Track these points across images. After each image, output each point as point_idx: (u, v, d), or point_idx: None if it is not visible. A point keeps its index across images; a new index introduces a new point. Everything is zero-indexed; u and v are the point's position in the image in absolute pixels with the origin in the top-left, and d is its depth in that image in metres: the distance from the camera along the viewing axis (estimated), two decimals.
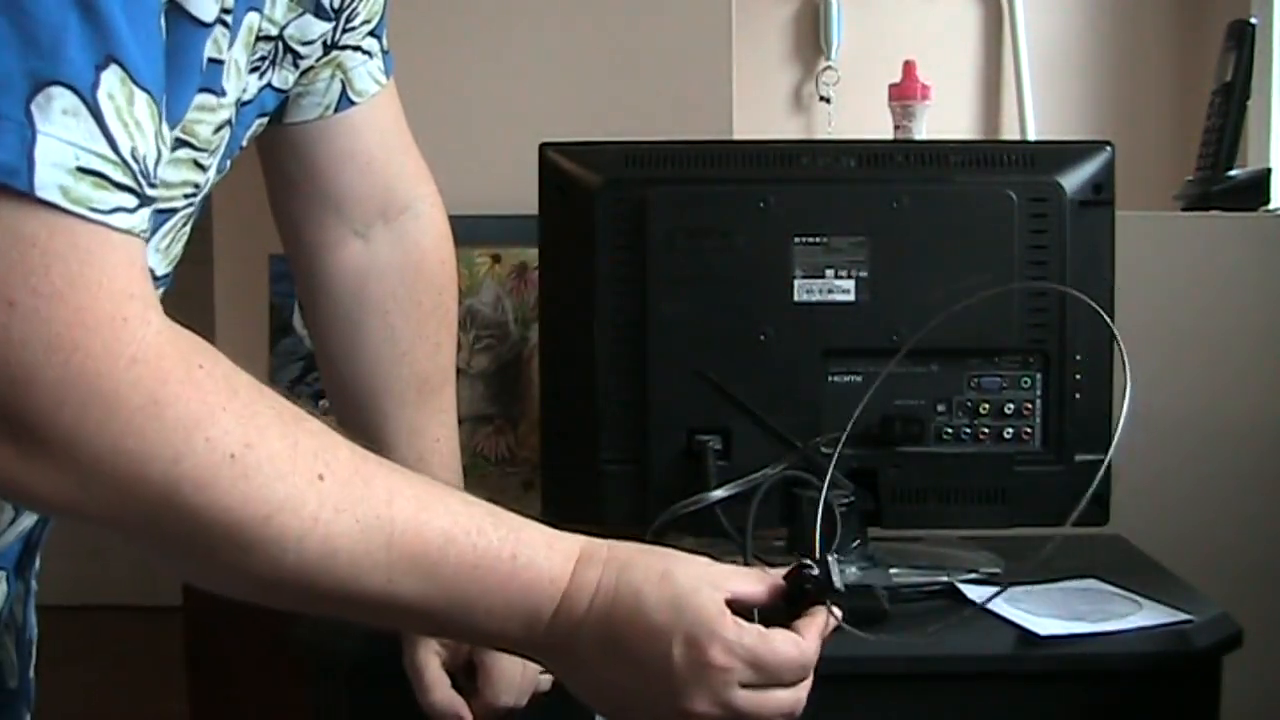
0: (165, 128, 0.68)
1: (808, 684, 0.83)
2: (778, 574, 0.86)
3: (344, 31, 1.01)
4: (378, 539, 0.72)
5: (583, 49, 2.12)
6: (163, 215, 0.80)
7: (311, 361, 1.97)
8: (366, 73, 1.05)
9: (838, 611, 0.86)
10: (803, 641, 0.82)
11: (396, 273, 1.11)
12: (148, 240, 0.67)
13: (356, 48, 1.03)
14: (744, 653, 0.80)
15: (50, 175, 0.61)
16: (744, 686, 0.80)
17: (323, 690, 1.26)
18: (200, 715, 2.02)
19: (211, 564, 0.70)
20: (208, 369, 0.66)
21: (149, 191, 0.66)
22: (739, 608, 0.82)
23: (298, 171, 1.07)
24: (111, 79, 0.63)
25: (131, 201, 0.64)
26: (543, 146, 1.37)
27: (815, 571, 0.86)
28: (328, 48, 1.00)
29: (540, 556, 0.78)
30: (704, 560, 0.83)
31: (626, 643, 0.79)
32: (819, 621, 0.85)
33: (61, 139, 0.61)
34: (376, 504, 0.72)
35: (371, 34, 1.04)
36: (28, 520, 0.87)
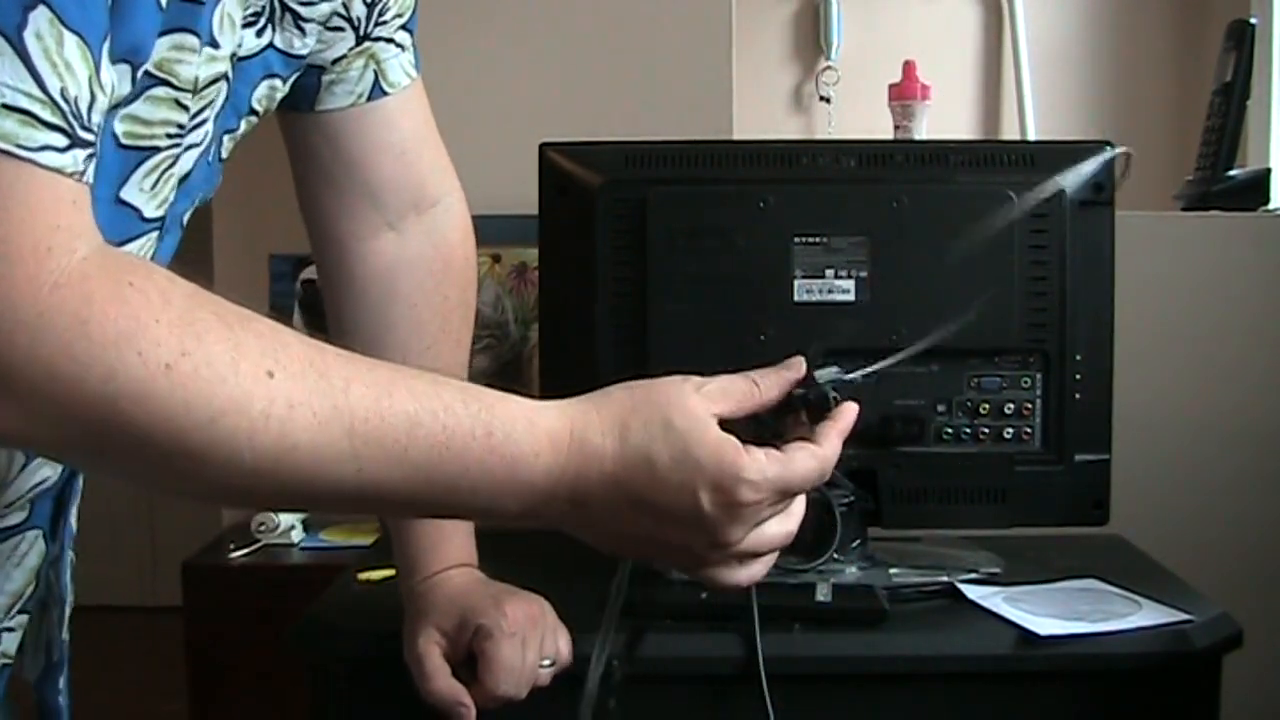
0: (106, 71, 0.68)
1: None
2: (766, 383, 0.85)
3: (377, 23, 1.03)
4: (337, 429, 0.71)
5: (583, 49, 2.13)
6: (144, 153, 0.81)
7: None
8: (399, 65, 1.07)
9: (852, 409, 0.86)
10: (819, 450, 0.83)
11: (425, 266, 1.13)
12: (90, 181, 0.67)
13: (390, 40, 1.05)
14: (769, 485, 0.79)
15: None
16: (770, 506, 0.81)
17: (323, 690, 1.26)
18: (200, 715, 2.02)
19: (171, 474, 0.70)
20: (138, 285, 0.66)
21: (82, 134, 0.66)
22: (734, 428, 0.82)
23: (334, 162, 1.08)
24: (39, 19, 0.63)
25: (61, 140, 0.65)
26: (543, 146, 1.37)
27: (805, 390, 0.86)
28: (360, 38, 1.02)
29: (519, 431, 0.76)
30: (690, 389, 0.81)
31: (648, 502, 0.78)
32: (839, 426, 0.85)
33: None
34: (333, 394, 0.71)
35: (404, 27, 1.07)
36: (46, 470, 0.88)
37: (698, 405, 0.80)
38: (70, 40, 0.65)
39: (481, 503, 0.77)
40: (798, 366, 0.87)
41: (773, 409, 0.85)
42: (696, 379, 0.83)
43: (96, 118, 0.67)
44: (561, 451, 0.78)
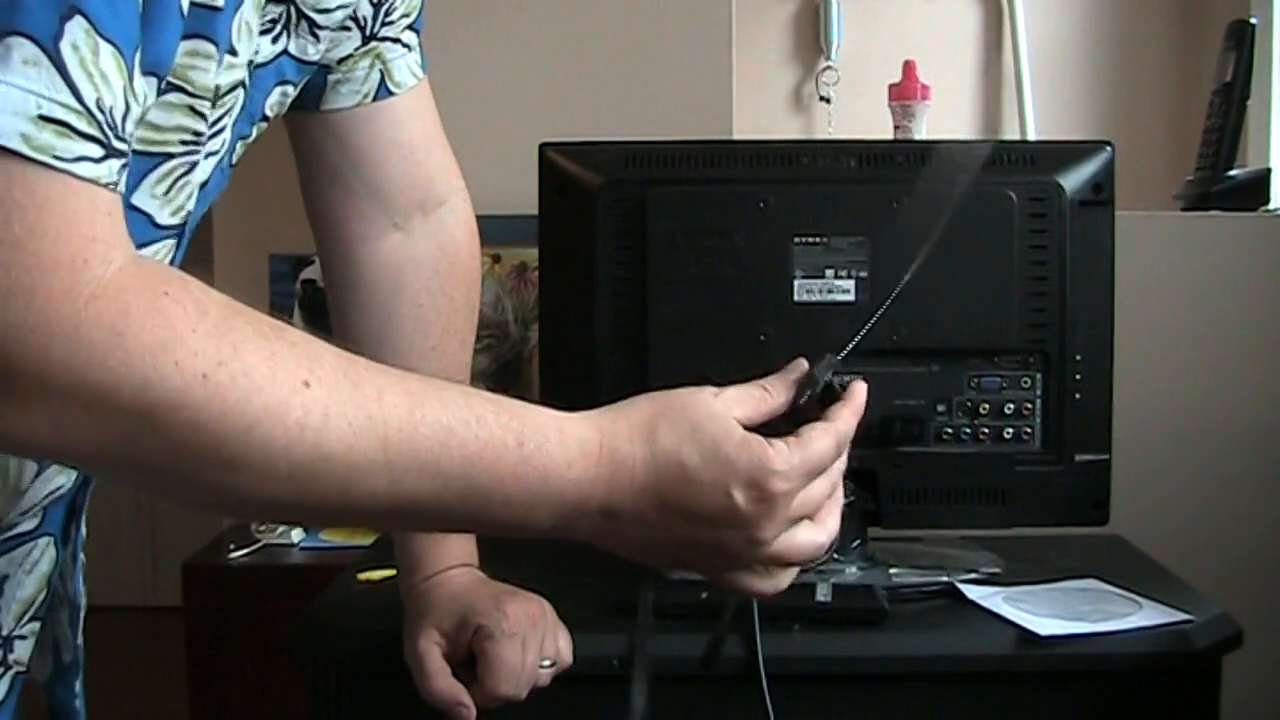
0: (138, 82, 0.68)
1: (842, 462, 0.85)
2: (775, 388, 0.86)
3: (383, 24, 1.03)
4: (371, 439, 0.70)
5: (583, 49, 2.13)
6: (155, 159, 0.80)
7: None
8: (405, 65, 1.07)
9: (862, 387, 0.87)
10: (831, 425, 0.84)
11: (431, 265, 1.13)
12: (122, 192, 0.67)
13: (396, 40, 1.06)
14: (796, 471, 0.80)
15: (11, 123, 0.61)
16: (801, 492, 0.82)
17: (323, 690, 1.26)
18: (200, 715, 2.02)
19: (204, 486, 0.69)
20: (174, 295, 0.66)
21: (117, 144, 0.66)
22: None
23: (342, 161, 1.08)
24: (76, 29, 0.63)
25: (96, 151, 0.64)
26: (543, 146, 1.37)
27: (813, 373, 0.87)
28: (366, 37, 1.02)
29: (551, 442, 0.76)
30: (710, 395, 0.82)
31: (682, 505, 0.79)
32: (851, 404, 0.86)
33: (22, 87, 0.61)
34: (367, 404, 0.71)
35: (410, 27, 1.07)
36: (60, 478, 0.88)
37: (720, 407, 0.81)
38: (105, 50, 0.64)
39: (515, 516, 0.77)
40: (799, 367, 0.87)
41: (785, 414, 0.85)
42: (711, 388, 0.83)
43: (130, 127, 0.67)
44: (592, 461, 0.77)
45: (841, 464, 0.85)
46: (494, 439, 0.74)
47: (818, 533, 0.84)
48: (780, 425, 0.84)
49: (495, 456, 0.74)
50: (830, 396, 0.87)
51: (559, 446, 0.77)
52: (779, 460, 0.79)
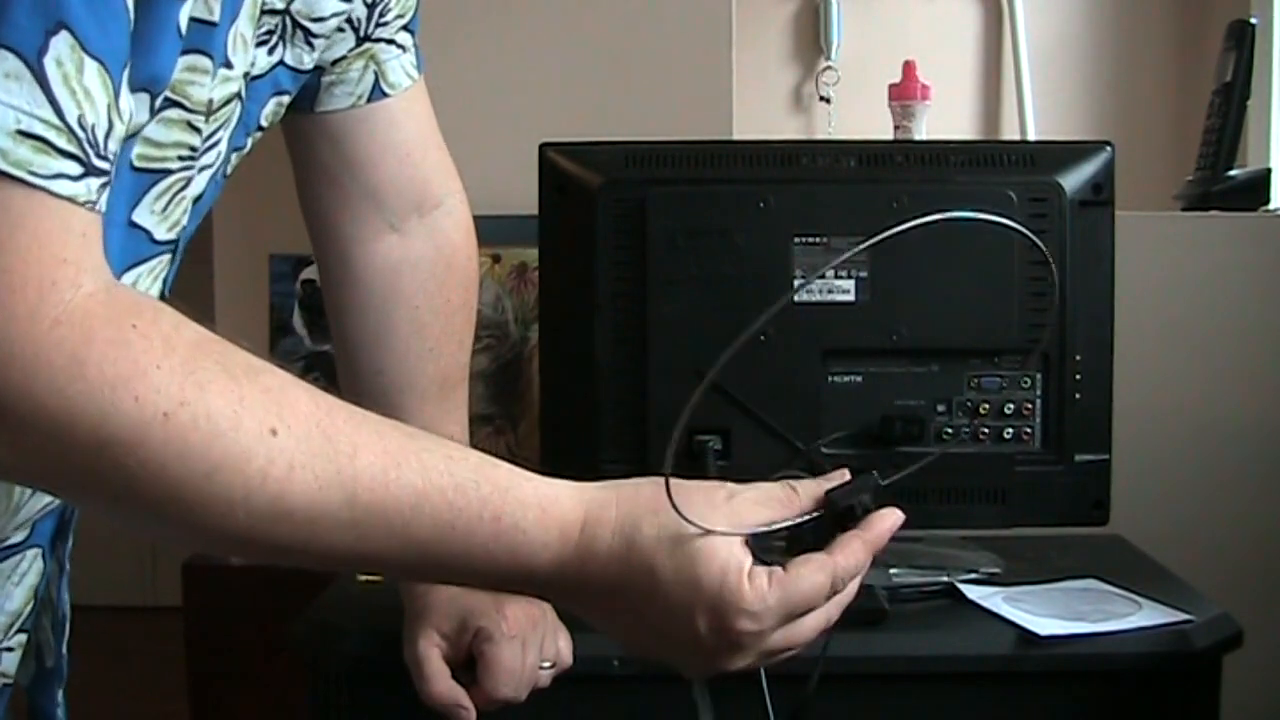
0: (125, 100, 0.67)
1: (846, 594, 0.81)
2: (805, 489, 0.83)
3: (377, 25, 1.02)
4: (338, 495, 0.69)
5: (583, 49, 2.12)
6: (156, 176, 0.80)
7: (311, 361, 1.97)
8: (400, 66, 1.07)
9: (888, 519, 0.82)
10: (830, 560, 0.80)
11: (428, 267, 1.13)
12: (102, 210, 0.66)
13: (390, 40, 1.05)
14: (771, 613, 0.78)
15: None
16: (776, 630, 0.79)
17: (323, 690, 1.26)
18: (200, 715, 2.02)
19: (161, 523, 0.68)
20: (142, 328, 0.64)
21: (97, 162, 0.64)
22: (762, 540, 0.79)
23: (337, 163, 1.08)
24: (61, 45, 0.62)
25: (75, 169, 0.63)
26: (543, 146, 1.37)
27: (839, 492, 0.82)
28: (360, 39, 1.02)
29: (529, 521, 0.75)
30: (722, 498, 0.80)
31: (645, 612, 0.78)
32: (867, 535, 0.82)
33: (2, 101, 0.61)
34: (338, 459, 0.69)
35: (405, 28, 1.06)
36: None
37: (718, 520, 0.78)
38: (91, 67, 0.63)
39: (477, 581, 0.79)
40: (839, 477, 0.84)
41: (815, 526, 0.81)
42: (733, 486, 0.81)
43: (113, 146, 0.66)
44: (570, 546, 0.77)
45: (853, 587, 0.81)
46: (470, 511, 0.73)
47: (794, 649, 0.82)
48: (806, 546, 0.80)
49: (468, 529, 0.73)
50: (852, 520, 0.82)
51: (538, 527, 0.75)
52: (751, 599, 0.77)
